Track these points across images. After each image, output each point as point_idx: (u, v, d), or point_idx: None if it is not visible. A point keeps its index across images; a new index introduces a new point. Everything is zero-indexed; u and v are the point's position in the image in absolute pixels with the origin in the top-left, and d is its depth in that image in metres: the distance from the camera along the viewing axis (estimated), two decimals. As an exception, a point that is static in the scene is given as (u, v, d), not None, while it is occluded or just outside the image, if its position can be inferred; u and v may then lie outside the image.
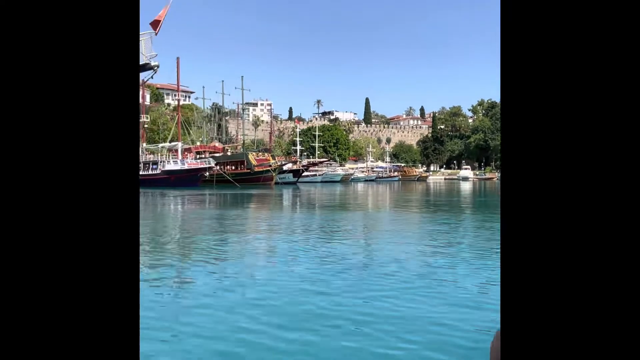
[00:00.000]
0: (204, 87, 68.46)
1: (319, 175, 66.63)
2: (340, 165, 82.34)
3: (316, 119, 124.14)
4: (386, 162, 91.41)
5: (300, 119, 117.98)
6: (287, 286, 5.25)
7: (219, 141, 58.71)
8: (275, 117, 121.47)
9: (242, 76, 54.45)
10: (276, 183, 50.71)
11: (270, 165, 51.84)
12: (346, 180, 70.66)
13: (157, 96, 79.96)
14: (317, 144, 78.15)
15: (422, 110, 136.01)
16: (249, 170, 51.83)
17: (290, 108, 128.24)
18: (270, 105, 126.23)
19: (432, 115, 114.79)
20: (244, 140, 54.15)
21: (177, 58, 46.07)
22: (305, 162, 64.48)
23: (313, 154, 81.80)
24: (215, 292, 5.13)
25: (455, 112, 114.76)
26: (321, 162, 69.55)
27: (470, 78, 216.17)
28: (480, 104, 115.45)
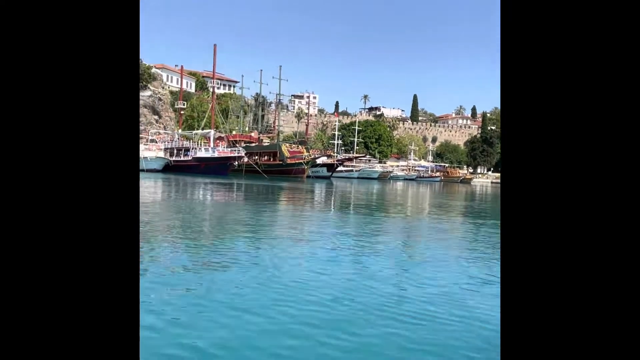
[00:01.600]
0: (242, 75, 67.74)
1: (356, 171, 64.43)
2: (380, 162, 79.59)
3: (361, 113, 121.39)
4: (428, 161, 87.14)
5: (344, 113, 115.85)
6: (305, 295, 4.47)
7: (257, 131, 58.01)
8: (320, 111, 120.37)
9: (280, 66, 52.92)
10: (308, 177, 49.21)
11: (303, 158, 50.36)
12: (384, 177, 67.90)
13: (202, 84, 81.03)
14: (356, 139, 75.69)
15: (473, 109, 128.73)
16: (280, 162, 50.75)
17: (337, 102, 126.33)
18: (315, 97, 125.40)
19: (482, 115, 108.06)
20: (278, 131, 53.02)
21: (214, 45, 45.58)
22: (340, 156, 62.49)
23: (353, 149, 79.61)
24: (228, 294, 4.40)
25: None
26: (357, 158, 67.16)
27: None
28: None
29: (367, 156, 78.14)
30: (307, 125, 57.50)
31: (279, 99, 54.49)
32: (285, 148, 52.60)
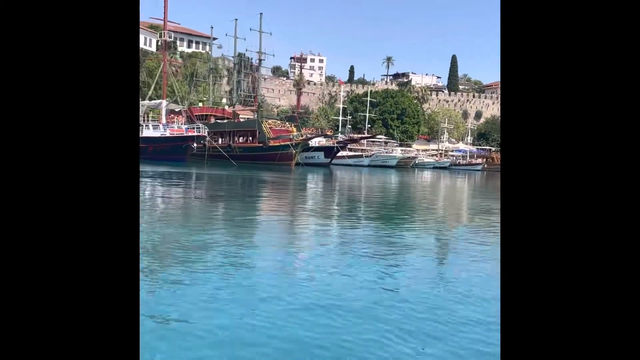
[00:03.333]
0: (212, 27, 62.99)
1: (366, 156, 60.81)
2: (402, 145, 75.73)
3: (384, 81, 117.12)
4: (467, 143, 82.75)
5: (362, 82, 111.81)
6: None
7: (231, 103, 54.67)
8: (330, 78, 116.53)
9: (261, 13, 48.74)
10: (298, 164, 45.79)
11: (290, 139, 46.83)
12: (406, 165, 64.25)
13: (168, 43, 77.92)
14: (368, 114, 71.92)
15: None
16: (260, 145, 47.41)
17: (352, 67, 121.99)
18: (322, 61, 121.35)
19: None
20: (259, 103, 49.60)
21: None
22: (342, 137, 58.87)
23: (371, 127, 75.93)
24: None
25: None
26: (365, 139, 63.31)
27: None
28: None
29: (383, 137, 74.39)
30: (298, 95, 53.89)
31: (260, 59, 50.89)
32: (266, 126, 49.29)
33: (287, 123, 53.57)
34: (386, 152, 64.43)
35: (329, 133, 56.83)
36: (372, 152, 62.62)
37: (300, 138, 47.51)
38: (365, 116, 79.62)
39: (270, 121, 52.35)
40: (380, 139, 72.02)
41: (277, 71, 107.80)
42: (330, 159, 51.32)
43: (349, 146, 61.60)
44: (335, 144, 51.70)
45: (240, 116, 53.01)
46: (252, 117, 52.68)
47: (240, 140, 49.29)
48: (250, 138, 49.06)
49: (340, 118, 67.59)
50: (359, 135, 63.79)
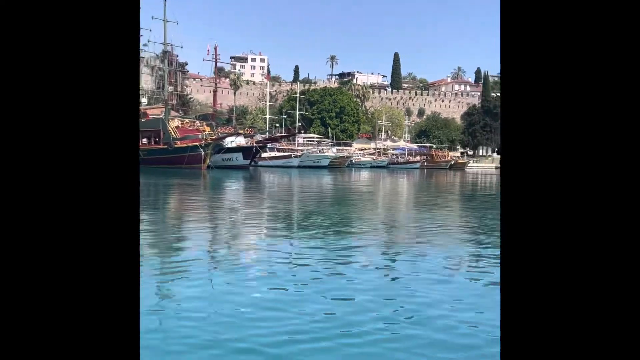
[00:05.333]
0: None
1: (296, 157, 55.74)
2: (341, 144, 71.19)
3: (329, 81, 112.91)
4: (406, 141, 78.98)
5: (306, 81, 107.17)
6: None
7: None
8: (275, 78, 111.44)
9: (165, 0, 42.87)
10: (209, 167, 40.15)
11: (200, 139, 41.09)
12: (340, 165, 59.60)
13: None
14: (297, 112, 66.92)
15: (478, 73, 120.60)
16: (165, 147, 41.52)
17: (297, 67, 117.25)
18: (263, 60, 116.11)
19: (484, 78, 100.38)
20: (166, 101, 43.92)
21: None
22: (260, 136, 53.58)
23: (302, 125, 70.96)
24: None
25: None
26: (284, 137, 58.21)
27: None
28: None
29: (315, 135, 69.59)
30: (214, 92, 48.26)
31: (165, 50, 44.84)
32: (172, 125, 43.40)
33: (197, 122, 47.75)
34: (316, 152, 59.49)
35: (250, 132, 51.22)
36: (302, 152, 57.57)
37: (211, 138, 41.82)
38: (302, 115, 74.72)
39: (178, 120, 46.43)
40: (312, 137, 67.20)
41: (220, 72, 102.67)
42: (250, 161, 45.89)
43: (277, 146, 56.65)
44: (254, 144, 46.30)
45: (151, 115, 46.87)
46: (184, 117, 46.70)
47: (144, 142, 43.19)
48: (156, 139, 43.06)
49: (268, 117, 62.24)
50: (280, 134, 58.66)
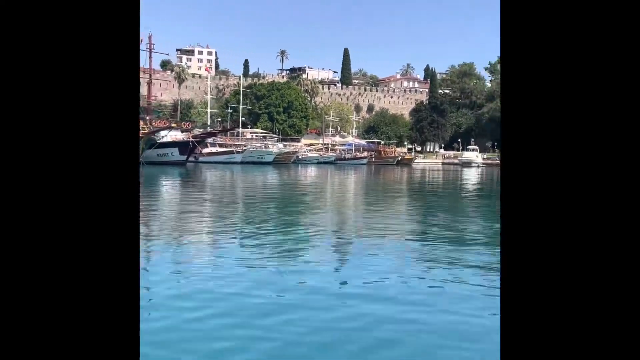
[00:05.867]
0: None
1: (238, 152, 53.63)
2: (288, 140, 69.50)
3: (280, 76, 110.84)
4: (353, 136, 78.26)
5: (255, 75, 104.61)
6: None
7: None
8: (224, 72, 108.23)
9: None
10: (141, 163, 37.46)
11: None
12: (286, 161, 57.88)
13: None
14: (241, 106, 64.70)
15: (427, 70, 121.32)
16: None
17: (246, 61, 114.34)
18: (211, 53, 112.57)
19: (430, 75, 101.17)
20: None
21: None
22: (198, 130, 51.23)
23: (247, 120, 68.75)
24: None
25: (466, 72, 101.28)
26: (223, 132, 56.07)
27: (491, 29, 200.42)
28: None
29: (259, 130, 67.63)
30: (148, 84, 45.44)
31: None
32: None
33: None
34: (260, 148, 57.59)
35: (185, 126, 48.67)
36: (245, 148, 55.50)
37: (142, 132, 39.20)
38: (248, 109, 72.49)
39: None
40: (257, 132, 65.19)
41: (166, 65, 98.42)
42: (187, 156, 43.51)
43: (220, 141, 54.35)
44: (191, 139, 43.94)
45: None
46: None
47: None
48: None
49: (209, 110, 59.68)
50: (218, 129, 56.42)
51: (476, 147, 79.60)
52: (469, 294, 5.58)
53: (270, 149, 57.48)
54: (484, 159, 77.33)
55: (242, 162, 51.97)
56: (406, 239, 9.49)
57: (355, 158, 67.41)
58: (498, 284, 5.20)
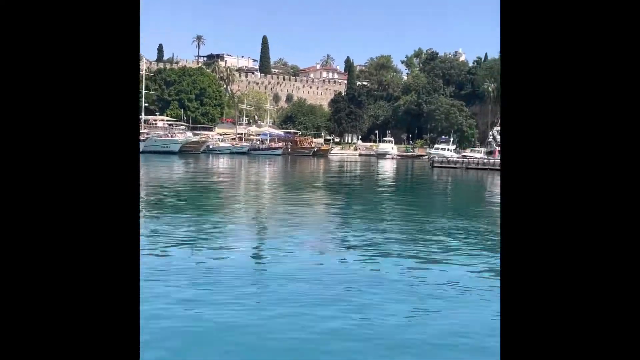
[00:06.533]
0: None
1: (141, 140, 49.46)
2: (198, 129, 65.72)
3: (198, 62, 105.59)
4: (268, 126, 75.93)
5: (170, 61, 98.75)
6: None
7: None
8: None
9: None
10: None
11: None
12: (194, 150, 54.47)
13: None
14: (144, 91, 60.16)
15: (348, 61, 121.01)
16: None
17: (160, 45, 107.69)
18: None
19: (348, 66, 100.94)
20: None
21: None
22: None
23: (165, 109, 64.07)
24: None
25: (383, 64, 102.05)
26: None
27: (410, 23, 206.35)
28: (417, 54, 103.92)
29: (165, 117, 63.49)
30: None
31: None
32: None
33: None
34: (164, 137, 53.72)
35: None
36: (147, 136, 51.44)
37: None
38: (157, 96, 67.77)
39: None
40: (163, 120, 61.01)
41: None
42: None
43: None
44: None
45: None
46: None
47: None
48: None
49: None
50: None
51: (391, 139, 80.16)
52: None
53: (176, 138, 53.76)
54: (399, 150, 78.09)
55: (143, 152, 48.04)
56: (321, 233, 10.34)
57: (269, 148, 65.17)
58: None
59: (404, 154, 77.14)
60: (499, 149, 56.94)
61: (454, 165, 46.15)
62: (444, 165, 46.43)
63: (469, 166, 45.28)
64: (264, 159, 51.88)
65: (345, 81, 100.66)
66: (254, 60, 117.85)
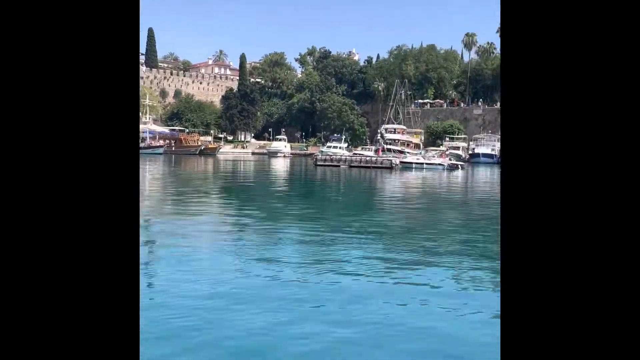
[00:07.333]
0: None
1: None
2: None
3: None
4: (150, 122, 70.74)
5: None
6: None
7: None
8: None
9: None
10: None
11: None
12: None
13: None
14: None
15: (243, 58, 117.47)
16: None
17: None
18: None
19: (240, 61, 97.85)
20: None
21: None
22: None
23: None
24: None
25: (277, 61, 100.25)
26: None
27: (307, 18, 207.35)
28: (311, 52, 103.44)
29: None
30: None
31: None
32: None
33: None
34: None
35: None
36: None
37: None
38: None
39: None
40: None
41: None
42: None
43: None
44: None
45: None
46: None
47: None
48: None
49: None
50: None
51: (284, 137, 78.54)
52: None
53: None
54: (292, 148, 76.69)
55: None
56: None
57: (149, 147, 60.31)
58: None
59: (298, 152, 75.87)
60: (382, 147, 57.65)
61: (337, 164, 45.37)
62: (327, 163, 45.46)
63: (352, 164, 44.76)
64: (143, 159, 47.57)
65: (237, 77, 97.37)
66: (142, 54, 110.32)
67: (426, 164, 44.32)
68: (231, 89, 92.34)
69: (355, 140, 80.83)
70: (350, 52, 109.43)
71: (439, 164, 44.45)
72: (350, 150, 62.79)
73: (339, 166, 44.58)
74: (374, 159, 46.04)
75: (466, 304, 6.48)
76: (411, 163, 44.80)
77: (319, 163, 45.67)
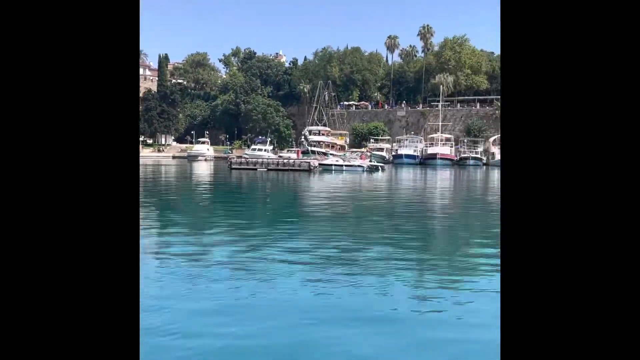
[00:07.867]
0: None
1: None
2: None
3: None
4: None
5: None
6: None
7: None
8: None
9: None
10: None
11: None
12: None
13: None
14: None
15: (162, 58, 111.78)
16: None
17: None
18: None
19: (158, 62, 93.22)
20: None
21: None
22: None
23: None
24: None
25: (199, 62, 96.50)
26: None
27: (234, 19, 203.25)
28: (235, 53, 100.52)
29: None
30: None
31: None
32: None
33: None
34: None
35: None
36: None
37: None
38: None
39: None
40: None
41: None
42: None
43: None
44: None
45: None
46: None
47: None
48: None
49: None
50: None
51: (207, 140, 75.35)
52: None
53: None
54: (215, 151, 73.62)
55: None
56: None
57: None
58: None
59: (221, 155, 72.94)
60: (302, 149, 56.30)
61: (254, 167, 43.36)
62: (242, 166, 43.31)
63: (270, 167, 42.92)
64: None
65: (157, 78, 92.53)
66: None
67: (346, 165, 43.34)
68: (149, 90, 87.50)
69: (281, 143, 79.11)
70: (277, 53, 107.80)
71: (359, 166, 43.63)
72: (276, 153, 60.96)
73: (255, 169, 42.58)
74: (291, 161, 44.44)
75: (466, 304, 6.42)
76: (331, 165, 43.65)
77: (234, 166, 43.41)
